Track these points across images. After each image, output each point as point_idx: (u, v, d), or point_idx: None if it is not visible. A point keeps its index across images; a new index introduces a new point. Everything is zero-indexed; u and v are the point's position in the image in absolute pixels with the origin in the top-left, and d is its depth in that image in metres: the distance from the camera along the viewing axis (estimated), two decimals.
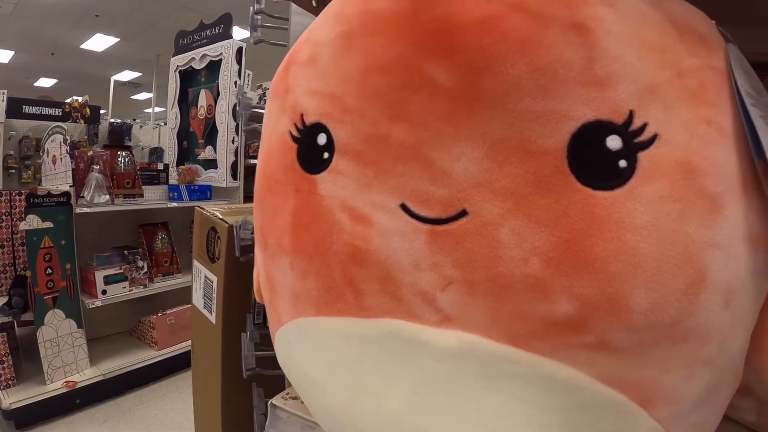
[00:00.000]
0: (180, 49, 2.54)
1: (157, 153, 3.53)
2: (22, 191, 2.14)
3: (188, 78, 2.55)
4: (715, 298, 0.22)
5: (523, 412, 0.23)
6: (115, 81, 7.34)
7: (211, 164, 2.39)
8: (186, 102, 2.54)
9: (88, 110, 3.09)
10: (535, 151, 0.21)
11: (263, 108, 0.44)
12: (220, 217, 0.82)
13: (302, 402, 0.45)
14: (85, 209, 1.91)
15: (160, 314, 2.28)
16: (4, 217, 2.09)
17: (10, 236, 2.11)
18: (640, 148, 0.21)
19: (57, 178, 2.08)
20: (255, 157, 2.37)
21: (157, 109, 6.97)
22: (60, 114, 2.97)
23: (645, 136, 0.21)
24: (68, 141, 2.11)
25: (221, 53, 2.30)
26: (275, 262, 0.30)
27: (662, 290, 0.21)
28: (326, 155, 0.26)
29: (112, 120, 3.65)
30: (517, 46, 0.21)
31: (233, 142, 2.27)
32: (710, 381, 0.24)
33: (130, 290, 2.13)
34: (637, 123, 0.21)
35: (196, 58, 2.43)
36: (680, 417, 0.24)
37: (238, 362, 0.69)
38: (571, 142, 0.21)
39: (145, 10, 4.77)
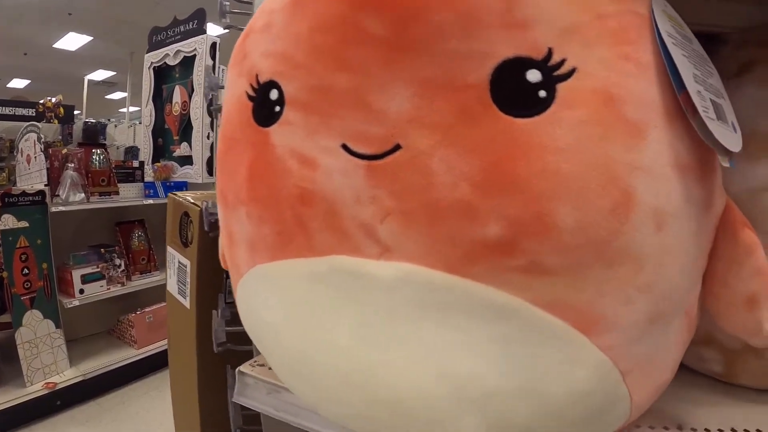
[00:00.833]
0: (154, 46, 2.50)
1: (132, 152, 3.47)
2: None
3: (162, 75, 2.51)
4: (644, 219, 0.23)
5: (462, 342, 0.24)
6: (89, 80, 7.17)
7: (186, 161, 2.36)
8: (161, 99, 2.50)
9: (62, 110, 3.02)
10: (460, 86, 0.23)
11: None
12: (192, 201, 0.82)
13: (270, 368, 0.46)
14: (61, 208, 1.89)
15: (138, 312, 2.26)
16: None
17: None
18: (559, 80, 0.22)
19: (31, 177, 2.04)
20: None
21: (132, 109, 6.82)
22: (34, 114, 2.89)
23: (564, 69, 0.22)
24: (42, 140, 2.06)
25: (195, 48, 2.28)
26: (234, 214, 0.31)
27: (587, 209, 0.22)
28: (277, 108, 0.27)
29: (87, 120, 3.58)
30: None
31: (208, 137, 2.25)
32: (652, 310, 0.25)
33: (108, 289, 2.10)
34: (555, 59, 0.22)
35: (170, 54, 2.40)
36: (625, 346, 0.25)
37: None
38: (493, 76, 0.22)
39: (117, 6, 4.69)
